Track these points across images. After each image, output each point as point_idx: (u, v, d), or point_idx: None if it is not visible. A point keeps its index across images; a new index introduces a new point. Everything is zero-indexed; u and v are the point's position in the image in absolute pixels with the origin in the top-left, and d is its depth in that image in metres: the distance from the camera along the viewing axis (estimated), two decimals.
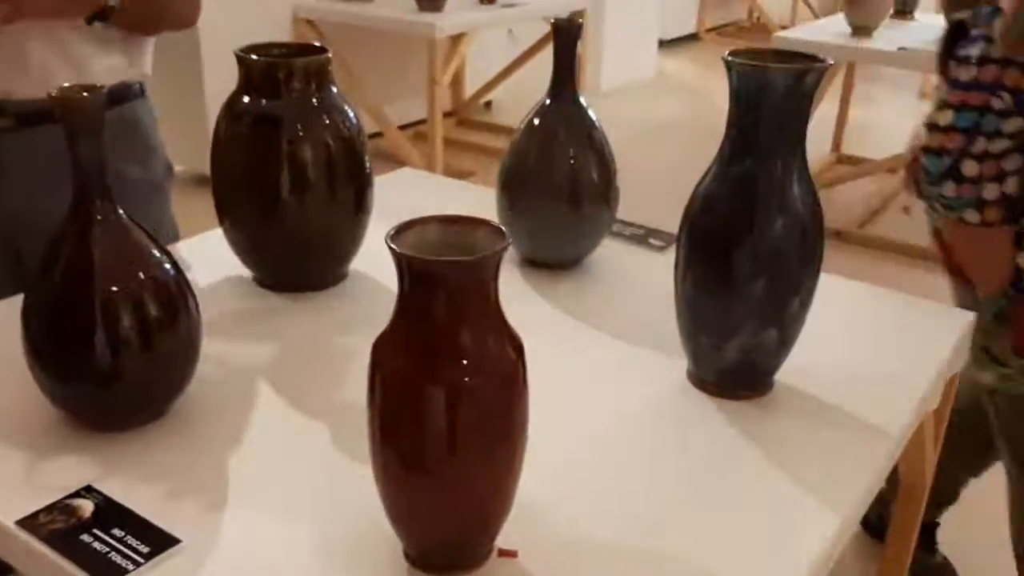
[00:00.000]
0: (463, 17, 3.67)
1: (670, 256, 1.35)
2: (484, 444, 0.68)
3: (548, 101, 1.23)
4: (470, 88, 4.92)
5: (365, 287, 1.26)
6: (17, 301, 0.90)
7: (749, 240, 0.89)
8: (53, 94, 0.80)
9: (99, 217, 0.85)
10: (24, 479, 0.85)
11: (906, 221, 3.77)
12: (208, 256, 1.30)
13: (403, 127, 4.42)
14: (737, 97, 0.88)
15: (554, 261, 1.29)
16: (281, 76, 1.12)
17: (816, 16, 7.47)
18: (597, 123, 1.25)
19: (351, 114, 1.19)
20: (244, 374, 1.04)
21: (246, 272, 1.25)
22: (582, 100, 1.24)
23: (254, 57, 1.13)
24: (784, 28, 6.98)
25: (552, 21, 1.21)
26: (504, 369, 0.67)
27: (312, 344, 1.12)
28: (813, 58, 0.91)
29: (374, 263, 1.27)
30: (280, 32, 3.82)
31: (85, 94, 0.81)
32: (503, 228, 0.67)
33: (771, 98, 0.86)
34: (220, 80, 3.55)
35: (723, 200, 0.91)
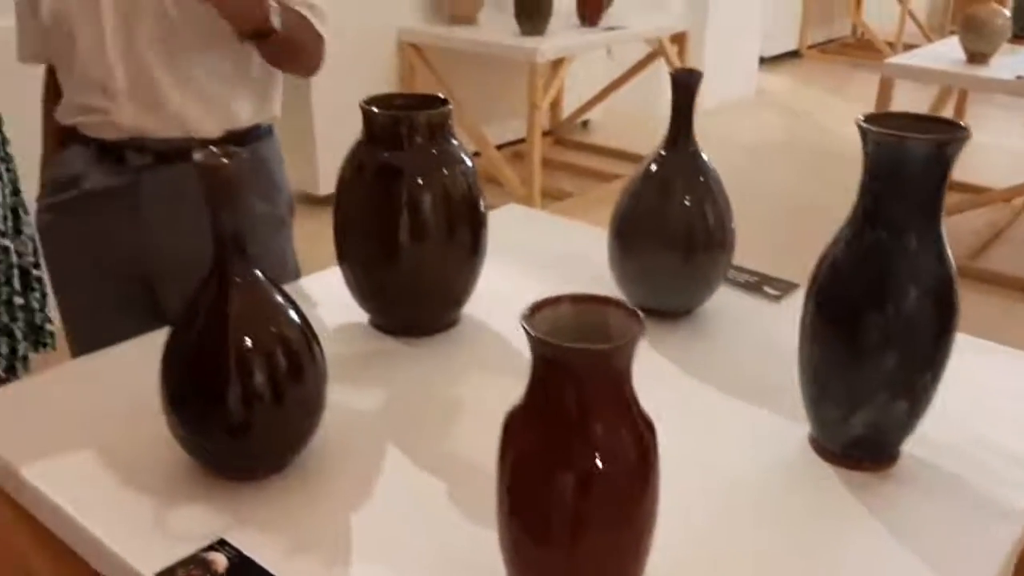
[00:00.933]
0: (564, 41, 3.67)
1: (786, 306, 1.33)
2: (614, 527, 0.68)
3: (664, 152, 1.23)
4: (567, 107, 4.93)
5: (477, 332, 1.27)
6: (148, 341, 0.94)
7: (881, 313, 0.87)
8: (196, 159, 0.84)
9: (237, 279, 0.88)
10: (158, 527, 0.88)
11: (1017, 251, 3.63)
12: (326, 295, 1.33)
13: (500, 146, 4.46)
14: (871, 164, 0.86)
15: (666, 309, 1.28)
16: (403, 130, 1.14)
17: (924, 33, 7.25)
18: (714, 172, 1.24)
19: (468, 162, 1.21)
20: (361, 422, 1.06)
21: (362, 313, 1.28)
22: (699, 149, 1.23)
23: (376, 110, 1.16)
24: (890, 44, 6.85)
25: (671, 73, 1.20)
26: (636, 455, 0.67)
27: (427, 392, 1.13)
28: (951, 123, 0.88)
29: (486, 306, 1.28)
30: (385, 55, 3.91)
31: (226, 160, 0.83)
32: (637, 311, 0.67)
33: (908, 168, 0.84)
34: (326, 99, 3.64)
35: (854, 269, 0.89)
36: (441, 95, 1.20)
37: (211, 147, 0.84)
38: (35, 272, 2.18)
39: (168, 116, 1.36)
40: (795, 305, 1.33)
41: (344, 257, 1.24)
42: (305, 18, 1.40)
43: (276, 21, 1.29)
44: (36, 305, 2.20)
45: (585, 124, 5.20)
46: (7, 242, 2.08)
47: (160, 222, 1.41)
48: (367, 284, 1.23)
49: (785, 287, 1.38)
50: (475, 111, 4.09)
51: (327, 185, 3.78)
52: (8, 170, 2.08)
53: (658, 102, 5.14)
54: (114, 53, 1.33)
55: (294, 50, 1.41)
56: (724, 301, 1.33)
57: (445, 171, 1.18)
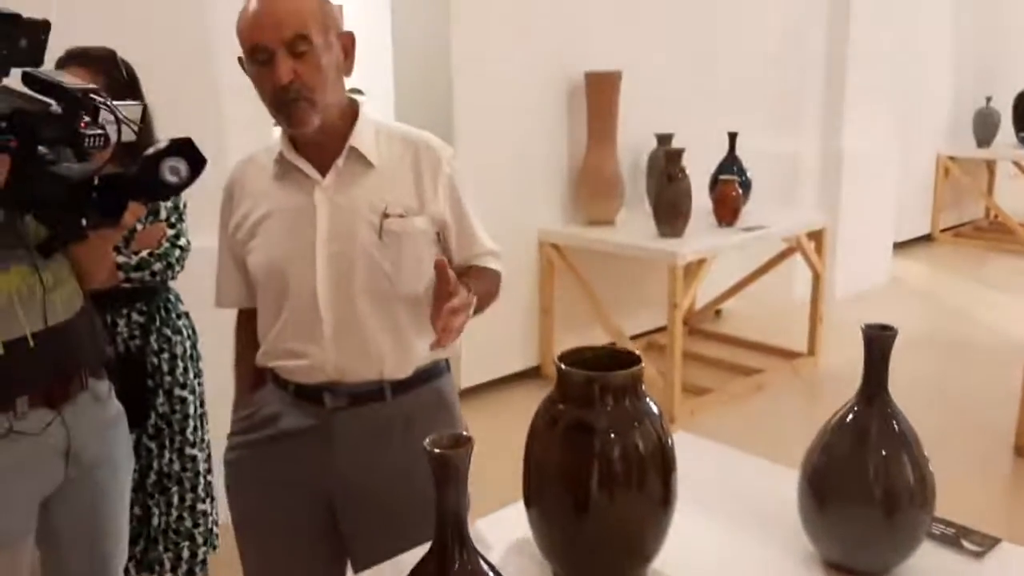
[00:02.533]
0: (703, 243, 3.72)
1: (990, 565, 1.26)
2: None
3: (857, 407, 1.22)
4: (701, 297, 4.94)
5: None
6: None
7: None
8: (427, 447, 0.87)
9: (455, 563, 0.90)
10: None
11: None
12: (501, 538, 1.33)
13: (635, 337, 4.48)
14: None
15: (864, 569, 1.23)
16: (596, 389, 1.17)
17: None
18: (909, 425, 1.21)
19: (657, 412, 1.22)
20: None
21: (542, 560, 1.27)
22: (895, 405, 1.21)
23: (566, 368, 1.19)
24: None
25: (863, 327, 1.21)
26: None
27: None
28: None
29: (673, 559, 1.25)
30: (527, 253, 4.07)
31: (458, 450, 0.87)
32: None
33: None
34: None
35: None
36: (635, 351, 1.23)
37: (442, 434, 0.88)
38: (209, 478, 2.29)
39: (368, 360, 1.43)
40: (1000, 563, 1.27)
41: (532, 505, 1.24)
42: (487, 271, 1.49)
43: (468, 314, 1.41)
44: (211, 509, 2.30)
45: (718, 313, 5.19)
46: (196, 451, 2.20)
47: (349, 458, 1.46)
48: (554, 535, 1.23)
49: (986, 541, 1.31)
50: (609, 303, 4.16)
51: (469, 378, 3.87)
52: (200, 384, 2.23)
53: (790, 291, 5.11)
54: (325, 302, 1.41)
55: (483, 307, 1.52)
56: (922, 556, 1.26)
57: (636, 423, 1.19)
